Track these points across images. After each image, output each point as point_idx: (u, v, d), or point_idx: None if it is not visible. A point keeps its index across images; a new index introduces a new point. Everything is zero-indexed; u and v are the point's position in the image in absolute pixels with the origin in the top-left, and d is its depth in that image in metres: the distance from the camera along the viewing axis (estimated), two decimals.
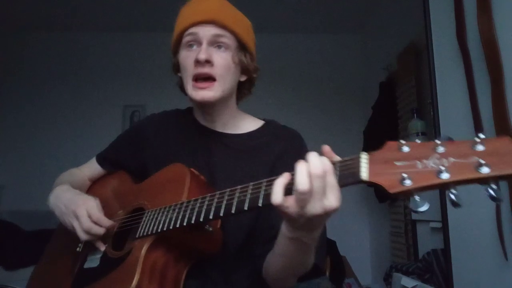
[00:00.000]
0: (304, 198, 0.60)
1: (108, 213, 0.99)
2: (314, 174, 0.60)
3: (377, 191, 3.20)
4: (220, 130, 1.03)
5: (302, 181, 0.60)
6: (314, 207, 0.60)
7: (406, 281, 2.02)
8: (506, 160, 0.49)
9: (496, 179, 0.49)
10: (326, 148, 0.64)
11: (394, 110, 2.98)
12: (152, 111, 1.21)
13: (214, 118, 1.03)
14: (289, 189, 0.63)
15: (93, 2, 3.35)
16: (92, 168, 1.18)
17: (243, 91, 1.06)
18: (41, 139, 3.66)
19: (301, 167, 0.61)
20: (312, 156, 0.62)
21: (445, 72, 1.65)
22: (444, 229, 1.65)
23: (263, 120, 1.08)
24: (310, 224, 0.65)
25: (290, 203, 0.62)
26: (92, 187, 1.17)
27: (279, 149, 0.98)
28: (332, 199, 0.60)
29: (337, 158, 0.63)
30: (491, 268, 1.38)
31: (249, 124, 1.05)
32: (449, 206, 1.62)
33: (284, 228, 0.70)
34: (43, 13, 3.50)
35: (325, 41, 3.97)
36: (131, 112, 3.79)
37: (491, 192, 0.49)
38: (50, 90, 3.76)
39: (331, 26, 3.85)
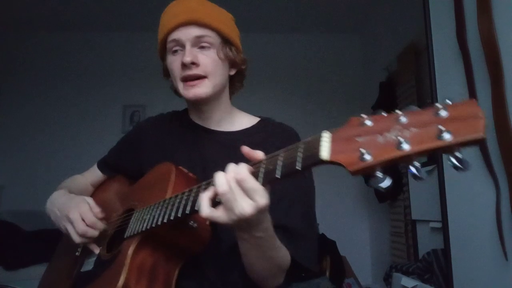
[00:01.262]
0: (227, 198, 0.64)
1: (108, 217, 1.00)
2: (226, 190, 0.65)
3: (377, 190, 3.20)
4: (214, 128, 1.03)
5: (221, 184, 0.65)
6: (244, 207, 0.64)
7: (406, 281, 2.02)
8: (469, 125, 0.43)
9: (459, 146, 0.44)
10: (245, 149, 0.69)
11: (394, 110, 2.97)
12: (152, 111, 1.22)
13: (208, 116, 1.03)
14: (216, 202, 0.67)
15: (93, 2, 3.35)
16: (93, 174, 1.19)
17: (235, 84, 1.07)
18: (41, 139, 3.65)
19: (218, 177, 0.66)
20: (229, 167, 0.66)
21: (445, 72, 1.65)
22: (444, 229, 1.65)
23: (259, 117, 1.08)
24: (251, 223, 0.68)
25: (220, 213, 0.67)
26: (95, 192, 1.19)
27: (275, 146, 0.97)
28: (257, 198, 0.64)
29: (261, 156, 0.67)
30: (491, 268, 1.38)
31: (244, 121, 1.05)
32: (449, 206, 1.62)
33: (235, 232, 0.73)
34: (43, 13, 3.51)
35: (325, 41, 3.97)
36: (131, 112, 3.79)
37: (455, 161, 0.44)
38: (50, 90, 3.76)
39: (331, 26, 3.85)
